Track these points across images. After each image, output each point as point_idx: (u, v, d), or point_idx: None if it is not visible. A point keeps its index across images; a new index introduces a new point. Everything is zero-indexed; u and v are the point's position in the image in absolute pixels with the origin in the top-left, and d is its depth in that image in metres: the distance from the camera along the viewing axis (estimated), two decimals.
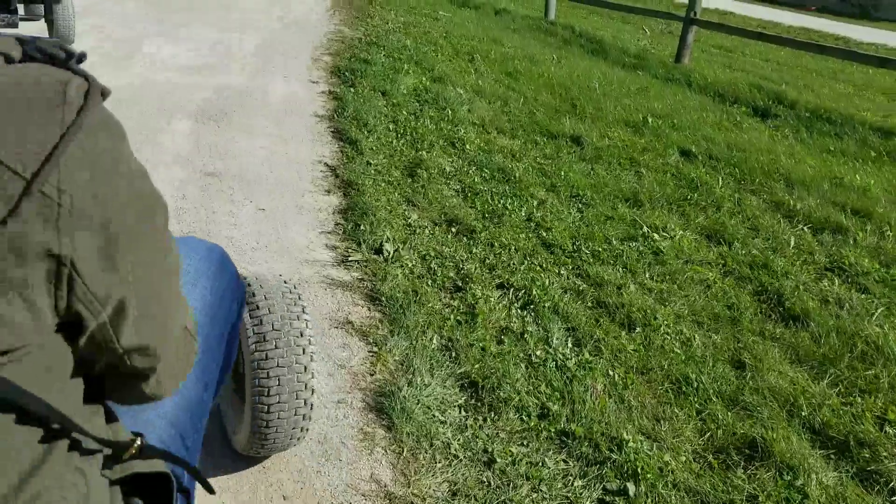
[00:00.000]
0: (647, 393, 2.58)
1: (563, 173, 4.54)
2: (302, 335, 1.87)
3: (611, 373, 2.65)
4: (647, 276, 3.38)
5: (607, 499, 2.10)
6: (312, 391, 1.89)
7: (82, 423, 0.74)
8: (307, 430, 1.96)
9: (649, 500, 2.10)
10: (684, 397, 2.57)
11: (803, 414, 2.52)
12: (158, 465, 0.91)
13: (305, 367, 1.86)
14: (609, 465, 2.20)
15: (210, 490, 1.01)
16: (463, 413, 2.37)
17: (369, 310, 2.88)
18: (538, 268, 3.36)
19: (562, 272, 3.36)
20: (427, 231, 3.58)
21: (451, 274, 3.20)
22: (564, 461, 2.21)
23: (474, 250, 3.44)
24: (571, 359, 2.71)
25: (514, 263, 3.36)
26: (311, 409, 1.91)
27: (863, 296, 3.40)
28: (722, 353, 2.86)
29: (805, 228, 4.10)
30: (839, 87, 9.43)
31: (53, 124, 0.62)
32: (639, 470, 2.18)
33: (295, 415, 1.88)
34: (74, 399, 0.75)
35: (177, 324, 0.84)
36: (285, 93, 5.71)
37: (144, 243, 0.72)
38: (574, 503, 2.07)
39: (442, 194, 4.03)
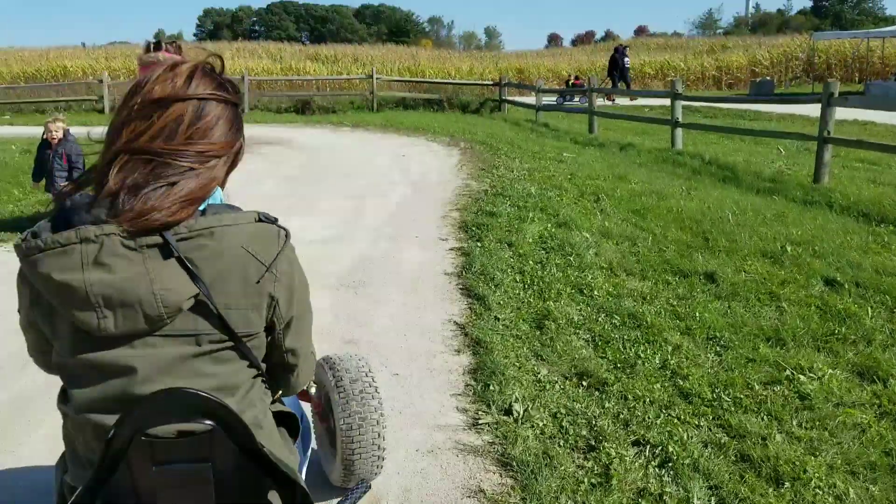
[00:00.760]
0: None
1: (697, 314, 4.43)
2: (373, 397, 2.58)
3: None
4: (794, 423, 3.17)
5: None
6: (383, 438, 2.60)
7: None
8: (382, 464, 2.64)
9: None
10: None
11: None
12: (288, 409, 1.78)
13: (377, 419, 2.57)
14: None
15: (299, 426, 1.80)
16: None
17: (501, 476, 2.85)
18: (675, 420, 3.23)
19: (701, 423, 3.21)
20: (557, 386, 3.56)
21: (584, 432, 3.14)
22: None
23: (607, 405, 3.37)
24: None
25: (649, 417, 3.25)
26: (383, 451, 2.62)
27: None
28: None
29: None
30: None
31: (276, 246, 1.43)
32: None
33: (372, 451, 2.58)
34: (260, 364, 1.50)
35: (309, 345, 1.64)
36: (415, 255, 5.97)
37: (303, 300, 1.54)
38: None
39: (571, 346, 4.01)
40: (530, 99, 19.40)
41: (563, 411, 3.31)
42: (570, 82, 24.52)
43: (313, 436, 2.64)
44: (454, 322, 4.44)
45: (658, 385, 3.56)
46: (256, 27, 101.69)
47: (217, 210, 1.41)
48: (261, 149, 12.63)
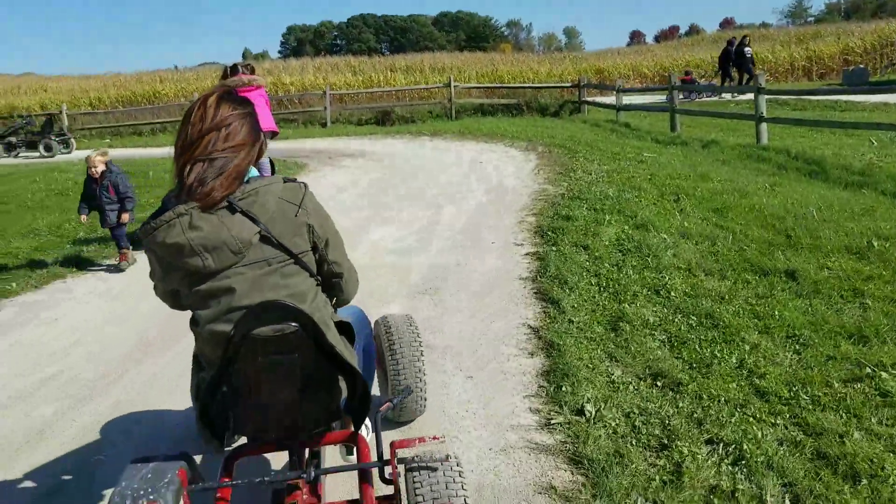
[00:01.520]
0: None
1: (777, 313, 4.36)
2: (414, 345, 3.12)
3: None
4: (873, 420, 3.11)
5: None
6: (424, 376, 3.17)
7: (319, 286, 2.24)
8: (423, 398, 3.20)
9: None
10: None
11: None
12: (346, 319, 2.34)
13: (423, 364, 3.13)
14: None
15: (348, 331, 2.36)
16: None
17: (572, 473, 2.91)
18: (751, 419, 3.22)
19: (777, 422, 3.19)
20: (631, 387, 3.59)
21: (656, 431, 3.17)
22: None
23: (681, 404, 3.39)
24: None
25: (723, 416, 3.25)
26: (424, 386, 3.19)
27: None
28: None
29: None
30: None
31: (300, 193, 2.16)
32: None
33: (420, 395, 3.15)
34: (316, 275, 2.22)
35: (347, 261, 2.34)
36: (490, 261, 6.07)
37: (331, 225, 2.25)
38: None
39: (646, 347, 4.03)
40: (610, 99, 19.22)
41: (635, 411, 3.34)
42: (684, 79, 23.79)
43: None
44: (528, 326, 4.51)
45: (734, 384, 3.55)
46: (338, 41, 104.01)
47: (255, 180, 2.12)
48: (341, 161, 12.99)
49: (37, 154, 19.16)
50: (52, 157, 18.71)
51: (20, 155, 19.51)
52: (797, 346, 3.94)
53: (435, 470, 2.10)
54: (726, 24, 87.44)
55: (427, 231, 7.36)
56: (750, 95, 14.18)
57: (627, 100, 18.97)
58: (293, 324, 2.00)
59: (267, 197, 2.08)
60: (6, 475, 3.21)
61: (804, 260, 5.25)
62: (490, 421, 3.37)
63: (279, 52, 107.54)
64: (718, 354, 3.90)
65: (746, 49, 22.71)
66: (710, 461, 2.92)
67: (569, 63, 34.78)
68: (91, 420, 3.68)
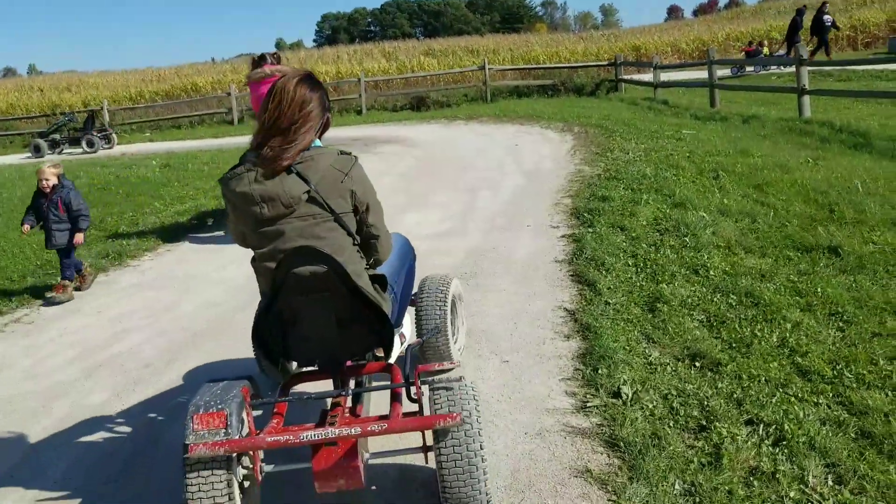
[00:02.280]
0: None
1: (819, 290, 4.27)
2: (444, 296, 3.62)
3: None
4: None
5: None
6: (452, 324, 3.69)
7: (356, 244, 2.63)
8: (449, 346, 3.58)
9: None
10: None
11: None
12: (381, 273, 2.77)
13: (445, 313, 3.57)
14: None
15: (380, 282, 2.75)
16: None
17: (608, 456, 2.89)
18: (792, 399, 3.16)
19: (819, 401, 3.13)
20: (668, 368, 3.54)
21: (695, 413, 3.12)
22: None
23: (720, 385, 3.34)
24: (829, 499, 2.50)
25: (764, 396, 3.20)
26: (456, 337, 3.76)
27: None
28: None
29: None
30: None
31: (350, 163, 2.55)
32: None
33: (444, 339, 3.56)
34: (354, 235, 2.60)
35: (384, 227, 2.72)
36: (526, 244, 6.03)
37: (373, 194, 2.64)
38: None
39: (684, 327, 3.97)
40: (648, 76, 18.92)
41: (673, 393, 3.30)
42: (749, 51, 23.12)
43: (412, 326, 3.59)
44: (564, 308, 4.48)
45: (775, 364, 3.48)
46: (372, 27, 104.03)
47: (315, 149, 2.53)
48: (377, 148, 13.01)
49: (80, 150, 19.55)
50: (94, 152, 19.07)
51: (64, 151, 19.92)
52: (840, 324, 3.85)
53: (450, 389, 2.52)
54: None
55: (463, 215, 7.34)
56: (793, 68, 13.79)
57: (665, 76, 18.65)
58: (324, 266, 2.43)
59: (320, 163, 2.48)
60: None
61: (848, 235, 5.12)
62: (526, 405, 3.36)
63: (314, 40, 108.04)
64: (759, 333, 3.83)
65: (826, 17, 21.11)
66: (749, 442, 2.88)
67: (605, 41, 34.36)
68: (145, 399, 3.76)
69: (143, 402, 3.85)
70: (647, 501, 2.58)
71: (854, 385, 3.22)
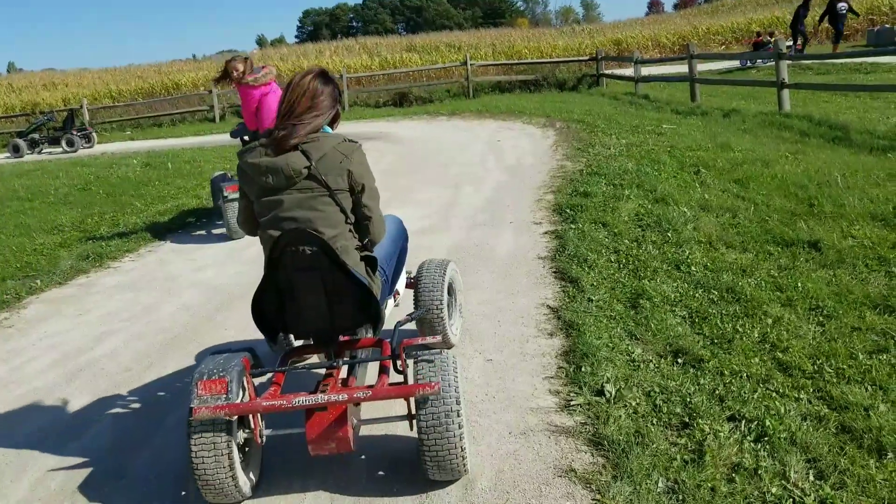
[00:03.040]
0: None
1: (799, 284, 4.30)
2: (440, 277, 3.84)
3: None
4: None
5: None
6: (449, 306, 3.97)
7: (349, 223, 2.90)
8: (444, 323, 3.80)
9: None
10: None
11: None
12: (372, 254, 2.99)
13: (440, 289, 3.78)
14: None
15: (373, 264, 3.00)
16: None
17: (592, 455, 2.90)
18: (773, 394, 3.18)
19: (800, 396, 3.15)
20: (651, 365, 3.56)
21: (678, 410, 3.14)
22: None
23: (702, 381, 3.35)
24: (811, 494, 2.51)
25: (745, 392, 3.21)
26: (452, 319, 4.02)
27: None
28: None
29: None
30: None
31: (352, 148, 2.86)
32: None
33: (440, 320, 3.79)
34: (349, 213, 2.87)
35: (378, 210, 2.98)
36: (508, 241, 6.04)
37: (370, 178, 2.92)
38: None
39: (666, 324, 3.99)
40: (629, 71, 18.96)
41: (656, 390, 3.31)
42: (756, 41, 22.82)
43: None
44: (547, 306, 4.49)
45: (756, 359, 3.51)
46: (354, 23, 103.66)
47: (323, 133, 2.87)
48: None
49: (59, 150, 19.37)
50: (74, 151, 18.90)
51: (43, 151, 19.73)
52: (821, 319, 3.88)
53: (432, 361, 2.74)
54: None
55: (446, 211, 7.33)
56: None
57: (646, 71, 18.70)
58: (314, 247, 2.70)
59: (324, 144, 2.80)
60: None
61: (828, 229, 5.16)
62: (510, 404, 3.36)
63: (296, 36, 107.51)
64: (740, 329, 3.85)
65: (840, 4, 20.51)
66: (732, 439, 2.89)
67: (586, 36, 34.43)
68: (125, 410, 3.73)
69: (123, 405, 3.81)
70: (630, 500, 2.58)
71: (834, 380, 3.24)
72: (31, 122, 21.93)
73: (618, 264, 5.00)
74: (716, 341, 3.76)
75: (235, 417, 2.71)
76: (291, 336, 3.08)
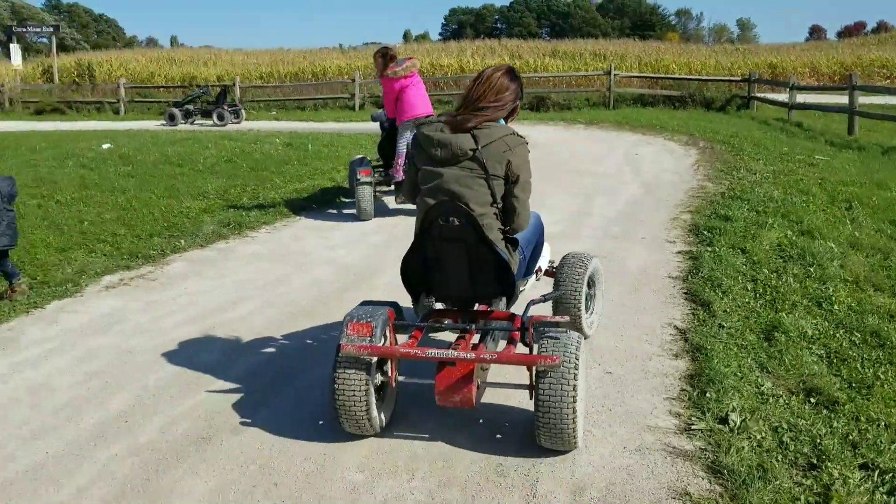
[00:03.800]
0: None
1: None
2: (581, 267, 4.01)
3: None
4: None
5: None
6: (588, 299, 4.16)
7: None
8: (580, 313, 3.94)
9: None
10: None
11: None
12: (514, 237, 3.33)
13: (579, 280, 3.94)
14: None
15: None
16: None
17: (710, 482, 2.80)
18: None
19: None
20: (781, 401, 3.40)
21: (805, 449, 2.98)
22: None
23: (835, 424, 3.17)
24: None
25: (882, 441, 3.02)
26: (589, 312, 4.19)
27: None
28: None
29: None
30: None
31: (518, 141, 3.14)
32: None
33: (576, 311, 3.92)
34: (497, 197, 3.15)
35: (527, 202, 3.22)
36: (639, 256, 5.91)
37: (527, 172, 3.17)
38: None
39: (801, 360, 3.80)
40: (783, 96, 18.11)
41: (784, 426, 3.16)
42: None
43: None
44: (674, 326, 4.36)
45: None
46: (498, 24, 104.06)
47: (497, 124, 3.14)
48: None
49: (210, 122, 20.46)
50: (223, 125, 19.92)
51: (195, 122, 20.90)
52: None
53: (557, 338, 2.93)
54: None
55: (577, 219, 7.26)
56: None
57: (802, 98, 17.80)
58: (462, 219, 3.01)
59: (494, 133, 3.08)
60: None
61: None
62: (626, 419, 3.29)
63: (439, 33, 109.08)
64: (882, 376, 3.62)
65: None
66: (862, 487, 2.72)
67: (740, 56, 33.14)
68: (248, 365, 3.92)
69: (255, 365, 4.00)
70: None
71: None
72: (187, 94, 23.27)
73: (754, 293, 4.80)
74: (854, 385, 3.54)
75: (375, 360, 3.05)
76: (433, 298, 3.38)
